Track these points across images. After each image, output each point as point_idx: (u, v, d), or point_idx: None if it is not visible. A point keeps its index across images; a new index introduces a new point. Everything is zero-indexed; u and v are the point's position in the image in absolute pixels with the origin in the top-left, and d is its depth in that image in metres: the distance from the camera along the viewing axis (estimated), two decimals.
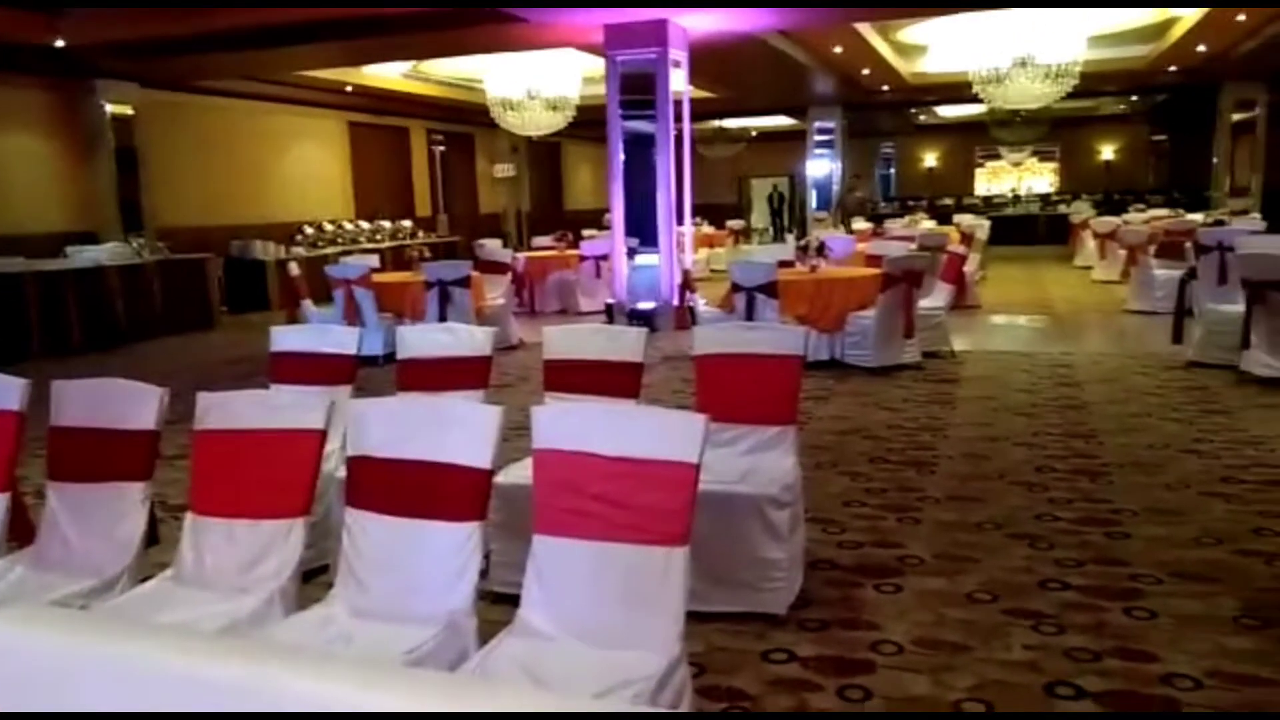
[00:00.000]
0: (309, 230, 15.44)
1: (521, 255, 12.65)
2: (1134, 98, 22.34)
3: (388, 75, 15.46)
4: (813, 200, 21.47)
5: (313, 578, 2.88)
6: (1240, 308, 7.08)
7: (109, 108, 12.67)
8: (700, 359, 3.87)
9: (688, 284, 10.26)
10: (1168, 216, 15.92)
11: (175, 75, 13.06)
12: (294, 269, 9.98)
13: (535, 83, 13.90)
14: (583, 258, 12.91)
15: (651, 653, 2.25)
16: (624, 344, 3.89)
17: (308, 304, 9.64)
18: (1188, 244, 9.00)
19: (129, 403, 2.92)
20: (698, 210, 19.06)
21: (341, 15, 10.49)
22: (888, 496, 4.88)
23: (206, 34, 11.10)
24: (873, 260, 9.04)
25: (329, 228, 15.90)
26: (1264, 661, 3.09)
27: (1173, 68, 16.77)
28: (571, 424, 2.45)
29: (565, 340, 3.99)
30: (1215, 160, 20.11)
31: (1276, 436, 5.68)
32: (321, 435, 2.72)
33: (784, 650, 3.27)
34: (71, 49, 11.35)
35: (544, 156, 23.78)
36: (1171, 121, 24.23)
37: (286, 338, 4.22)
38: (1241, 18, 12.73)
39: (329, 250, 14.72)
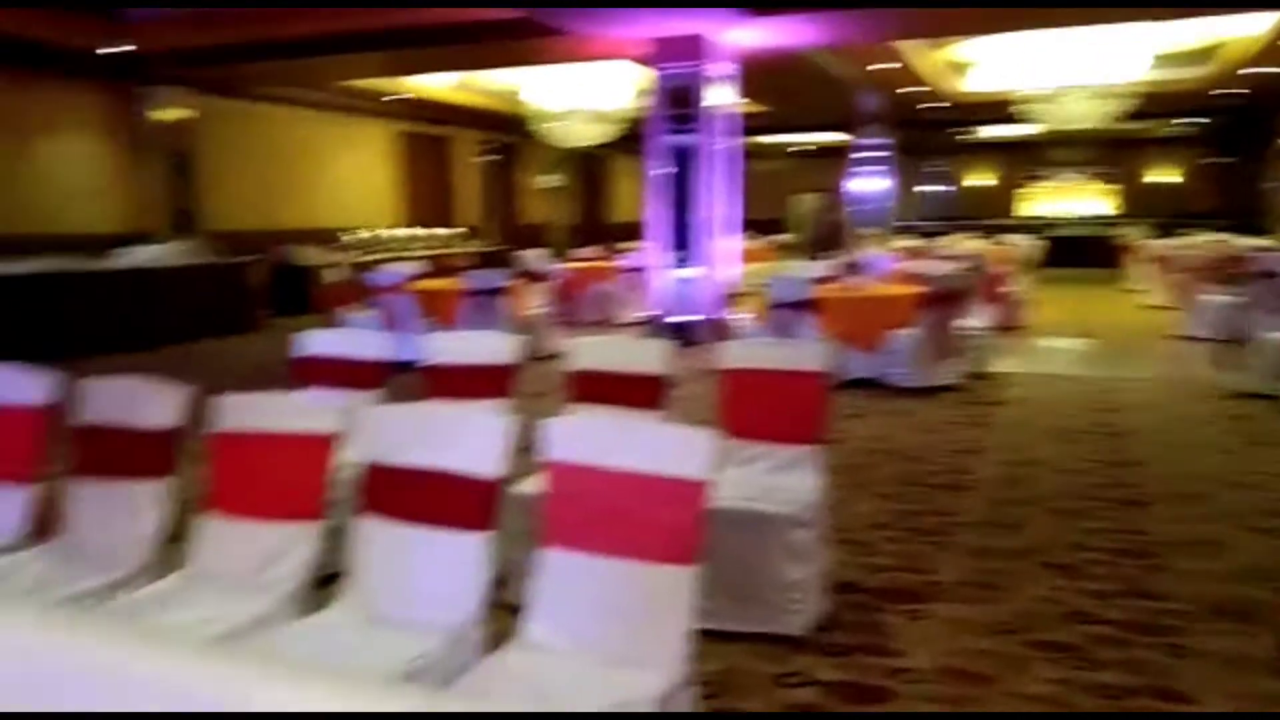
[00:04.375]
0: (354, 236, 15.63)
1: (561, 266, 12.68)
2: (1191, 120, 21.89)
3: (435, 85, 15.63)
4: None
5: (330, 583, 2.88)
6: None
7: (164, 113, 12.96)
8: (725, 374, 3.82)
9: (729, 298, 10.21)
10: (1218, 241, 15.54)
11: (229, 82, 13.34)
12: (339, 275, 10.09)
13: (579, 95, 13.99)
14: (622, 269, 12.91)
15: (656, 671, 2.20)
16: (650, 356, 3.86)
17: (347, 310, 9.73)
18: (1240, 270, 8.77)
19: (150, 401, 2.95)
20: (745, 224, 18.97)
21: (386, 26, 10.64)
22: (918, 520, 4.78)
23: (258, 42, 11.33)
24: (914, 279, 8.92)
25: (374, 234, 16.08)
26: None
27: (1232, 89, 16.41)
28: (582, 436, 2.42)
29: (591, 351, 3.96)
30: (1270, 185, 19.62)
31: None
32: (334, 439, 2.72)
33: (801, 674, 3.20)
34: (129, 54, 11.64)
35: (589, 168, 23.89)
36: (1228, 145, 23.71)
37: (315, 342, 4.24)
38: None
39: (373, 257, 14.88)
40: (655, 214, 10.77)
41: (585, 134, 14.50)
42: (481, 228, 19.81)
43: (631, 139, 15.05)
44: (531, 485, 3.15)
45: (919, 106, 18.34)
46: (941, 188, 28.17)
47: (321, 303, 9.88)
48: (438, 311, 9.35)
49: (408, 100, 15.93)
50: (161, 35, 11.40)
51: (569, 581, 2.36)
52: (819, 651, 3.35)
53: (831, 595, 3.69)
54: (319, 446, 2.70)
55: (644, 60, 10.55)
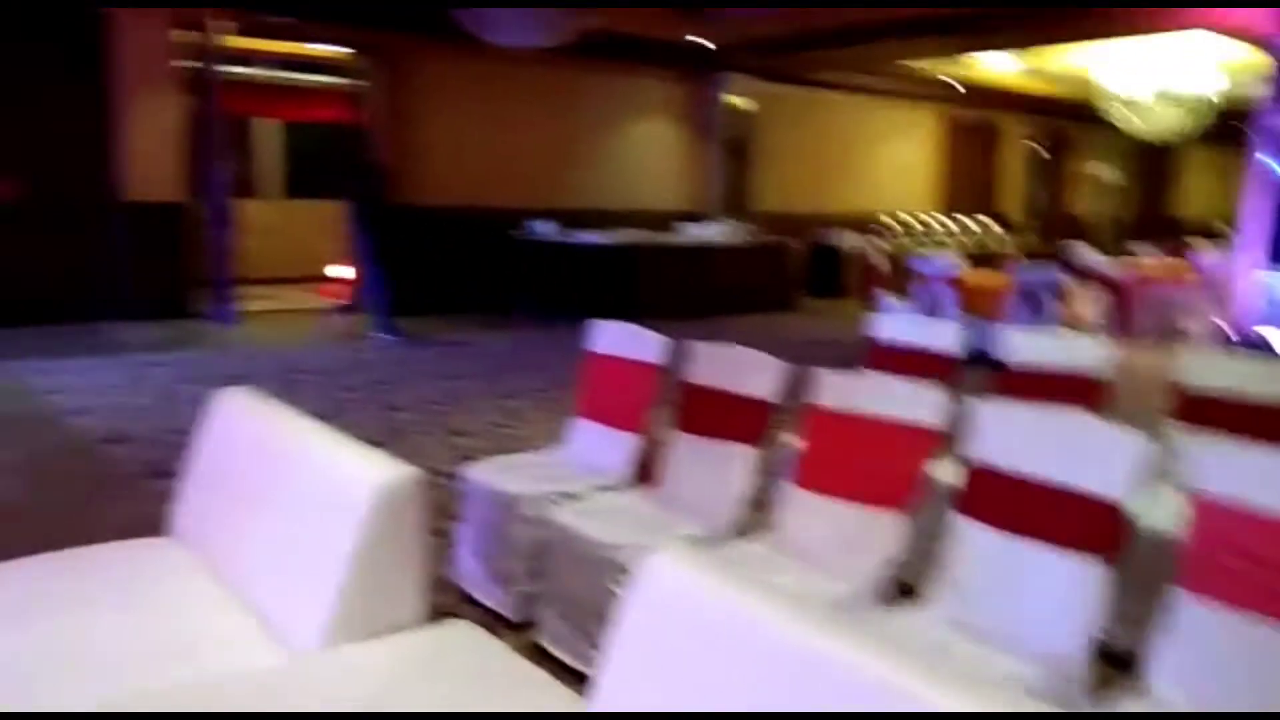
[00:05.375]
0: (891, 222, 15.63)
1: (1123, 265, 11.43)
2: None
3: (993, 69, 14.95)
4: None
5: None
6: None
7: (729, 100, 14.00)
8: None
9: None
10: None
11: (790, 70, 14.00)
12: (877, 260, 10.13)
13: (1159, 76, 12.46)
14: (1196, 272, 11.30)
15: None
16: None
17: (886, 295, 9.72)
18: None
19: (752, 371, 3.10)
20: None
21: (953, 6, 10.34)
22: None
23: (824, 28, 11.69)
24: None
25: (911, 220, 15.94)
26: None
27: None
28: (1241, 469, 2.04)
29: (1208, 369, 3.42)
30: None
31: None
32: (935, 433, 2.62)
33: None
34: (706, 46, 12.71)
35: (1150, 158, 21.32)
36: None
37: (888, 327, 4.21)
38: None
39: (909, 243, 14.77)
40: (1252, 210, 9.22)
41: (1162, 120, 12.91)
42: (1021, 218, 18.71)
43: (1212, 125, 13.12)
44: (1154, 515, 2.79)
45: None
46: None
47: (860, 287, 10.02)
48: (980, 305, 8.93)
49: (959, 84, 15.47)
50: (736, 26, 12.26)
51: (1213, 640, 2.01)
52: None
53: None
54: (918, 437, 2.62)
55: (1248, 35, 9.02)
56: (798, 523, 2.84)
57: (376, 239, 9.44)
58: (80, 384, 6.99)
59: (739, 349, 3.23)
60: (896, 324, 4.23)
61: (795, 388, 3.07)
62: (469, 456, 5.47)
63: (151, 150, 9.78)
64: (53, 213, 9.43)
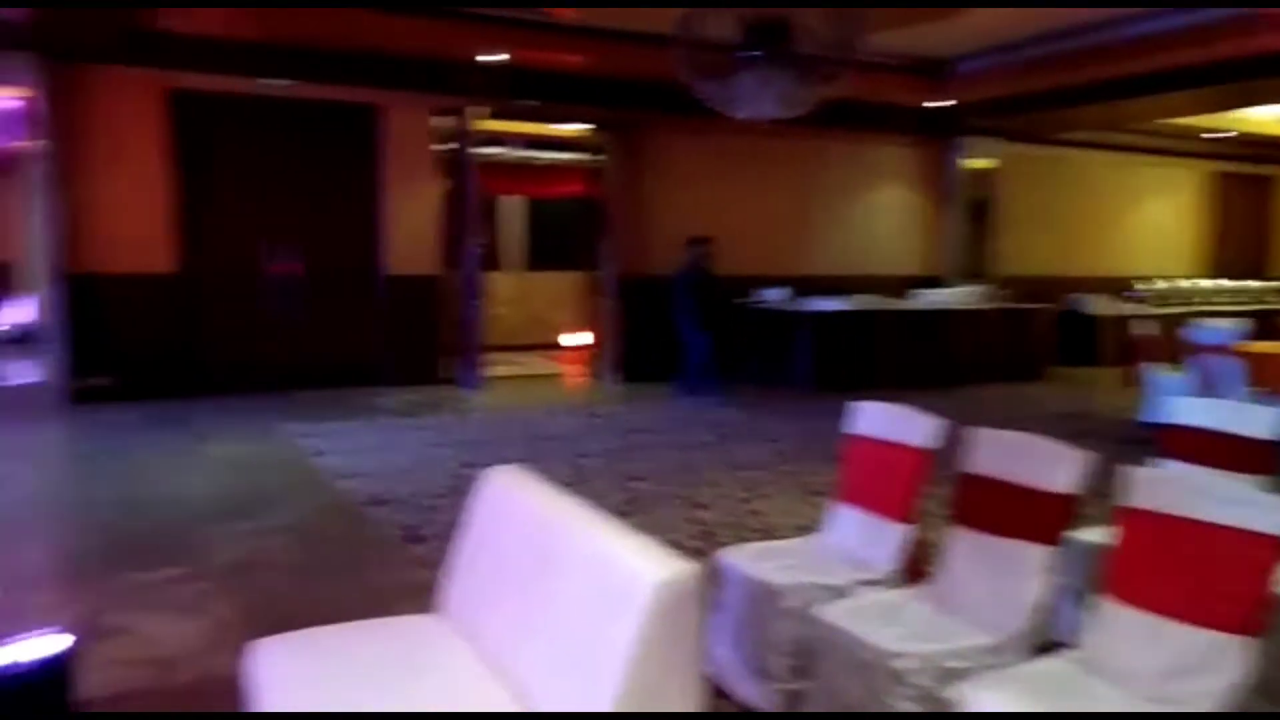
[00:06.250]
0: (1149, 286, 14.43)
1: None
2: None
3: (1265, 116, 13.61)
4: None
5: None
6: None
7: (969, 162, 13.46)
8: None
9: None
10: None
11: (1036, 129, 13.31)
12: (1142, 327, 9.31)
13: None
14: None
15: None
16: None
17: (1153, 367, 8.85)
18: None
19: (1048, 462, 2.79)
20: None
21: (1219, 58, 9.50)
22: None
23: (1072, 87, 11.06)
24: None
25: (1172, 284, 14.66)
26: None
27: None
28: None
29: None
30: None
31: None
32: None
33: None
34: (944, 109, 12.31)
35: None
36: None
37: (1188, 410, 3.74)
38: None
39: (1171, 309, 13.56)
40: None
41: None
42: None
43: None
44: None
45: None
46: None
47: (1117, 356, 9.20)
48: (1270, 379, 7.95)
49: (1226, 138, 14.17)
50: (977, 87, 11.82)
51: None
52: None
53: None
54: (1263, 548, 2.24)
55: None
56: (1111, 640, 2.49)
57: (701, 306, 9.98)
58: (343, 447, 7.47)
59: (1029, 437, 2.93)
60: (1198, 407, 3.74)
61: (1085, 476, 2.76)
62: (710, 532, 5.39)
63: (412, 228, 10.52)
64: (326, 287, 10.29)
